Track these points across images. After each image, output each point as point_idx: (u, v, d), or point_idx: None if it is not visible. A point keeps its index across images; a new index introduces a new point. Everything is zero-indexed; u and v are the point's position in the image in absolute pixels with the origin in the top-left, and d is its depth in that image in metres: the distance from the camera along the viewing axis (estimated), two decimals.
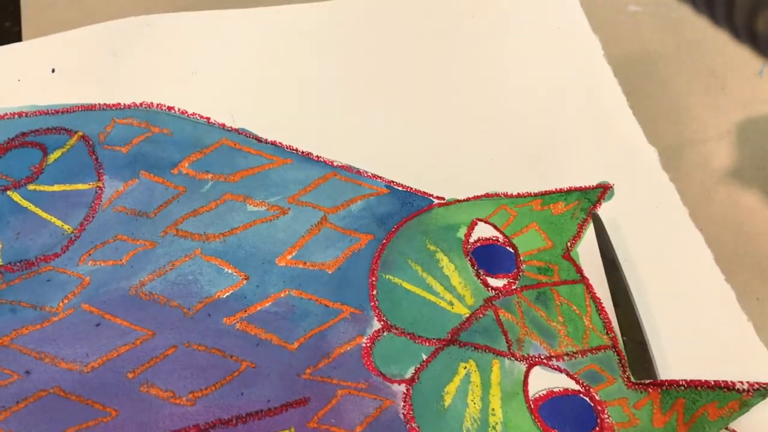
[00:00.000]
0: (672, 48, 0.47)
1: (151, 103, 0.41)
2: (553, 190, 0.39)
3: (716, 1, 0.26)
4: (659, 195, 0.39)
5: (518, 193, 0.39)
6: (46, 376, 0.33)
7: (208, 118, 0.40)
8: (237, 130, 0.40)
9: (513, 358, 0.34)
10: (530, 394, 0.33)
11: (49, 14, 0.46)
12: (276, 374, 0.34)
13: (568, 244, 0.38)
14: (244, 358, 0.34)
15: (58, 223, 0.37)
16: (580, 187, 0.39)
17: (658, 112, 0.43)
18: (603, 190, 0.39)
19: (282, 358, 0.34)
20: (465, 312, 0.35)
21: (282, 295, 0.36)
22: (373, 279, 0.36)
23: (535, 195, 0.39)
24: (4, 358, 0.33)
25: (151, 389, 0.33)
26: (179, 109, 0.40)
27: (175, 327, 0.35)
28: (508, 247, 0.37)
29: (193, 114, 0.40)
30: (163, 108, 0.40)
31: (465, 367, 0.34)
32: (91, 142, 0.39)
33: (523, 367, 0.34)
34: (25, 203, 0.37)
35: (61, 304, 0.35)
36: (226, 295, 0.36)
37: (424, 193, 0.39)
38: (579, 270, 0.37)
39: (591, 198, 0.39)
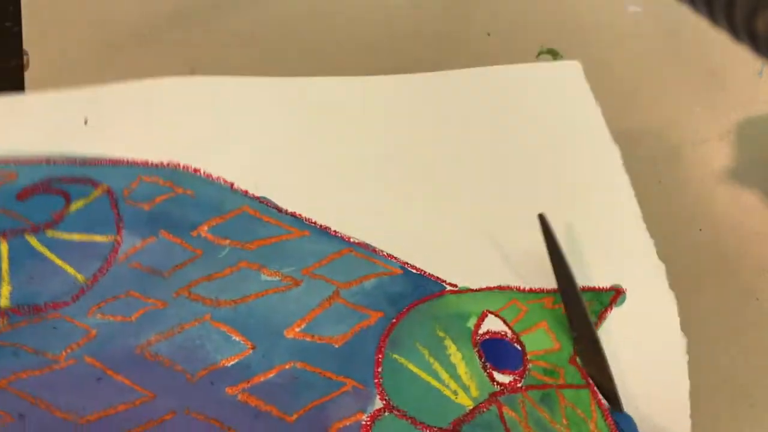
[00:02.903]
0: (672, 48, 0.47)
1: (178, 163, 0.41)
2: None
3: (715, 2, 0.25)
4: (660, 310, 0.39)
5: (530, 288, 0.39)
6: (38, 422, 0.32)
7: (232, 184, 0.41)
8: (259, 199, 0.41)
9: None
10: None
11: (49, 14, 0.47)
12: None
13: (576, 349, 0.38)
14: (241, 431, 0.34)
15: (72, 271, 0.37)
16: (594, 287, 0.40)
17: (659, 113, 0.44)
18: (615, 294, 0.39)
19: (280, 431, 0.34)
20: (469, 404, 0.35)
21: (287, 367, 0.36)
22: (380, 356, 0.36)
23: (548, 291, 0.39)
24: (0, 400, 0.33)
25: None
26: (204, 172, 0.41)
27: (177, 392, 0.34)
28: (516, 344, 0.37)
29: (218, 178, 0.41)
30: (189, 169, 0.41)
31: None
32: (114, 196, 0.40)
33: None
34: (41, 248, 0.38)
35: (63, 353, 0.35)
36: (231, 363, 0.35)
37: (437, 278, 0.39)
38: (584, 376, 0.37)
39: (603, 301, 0.39)
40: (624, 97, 0.44)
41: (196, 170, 0.41)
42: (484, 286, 0.39)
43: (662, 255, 0.39)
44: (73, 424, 0.33)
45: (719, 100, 0.45)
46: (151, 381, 0.34)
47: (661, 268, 0.40)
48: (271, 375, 0.35)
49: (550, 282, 0.40)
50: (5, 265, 0.37)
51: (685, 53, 0.47)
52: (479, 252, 0.41)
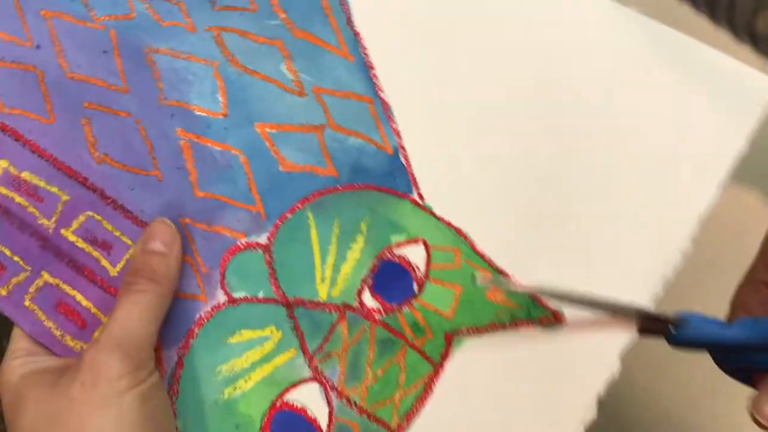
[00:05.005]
0: None
1: None
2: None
3: (717, 2, 0.26)
4: None
5: (482, 252, 0.37)
6: (43, 56, 0.38)
7: None
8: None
9: (309, 364, 0.35)
10: (283, 396, 0.34)
11: None
12: (168, 200, 0.37)
13: (465, 330, 0.36)
14: (160, 168, 0.37)
15: None
16: (540, 299, 0.36)
17: None
18: (553, 316, 0.36)
19: (183, 196, 0.37)
20: (323, 296, 0.36)
21: (233, 152, 0.38)
22: (298, 206, 0.37)
23: (496, 269, 0.37)
24: (45, 24, 0.38)
25: (86, 125, 0.37)
26: None
27: (143, 101, 0.38)
28: (414, 285, 0.36)
29: None
30: None
31: (271, 332, 0.35)
32: None
33: (308, 375, 0.35)
34: None
35: (102, 17, 0.39)
36: (199, 113, 0.38)
37: (415, 181, 0.38)
38: (444, 357, 0.36)
39: (534, 313, 0.36)
40: None
41: None
42: (445, 218, 0.37)
43: None
44: (62, 71, 0.38)
45: None
46: (132, 78, 0.38)
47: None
48: (217, 147, 0.38)
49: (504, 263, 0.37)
50: None
51: None
52: (470, 183, 0.37)
